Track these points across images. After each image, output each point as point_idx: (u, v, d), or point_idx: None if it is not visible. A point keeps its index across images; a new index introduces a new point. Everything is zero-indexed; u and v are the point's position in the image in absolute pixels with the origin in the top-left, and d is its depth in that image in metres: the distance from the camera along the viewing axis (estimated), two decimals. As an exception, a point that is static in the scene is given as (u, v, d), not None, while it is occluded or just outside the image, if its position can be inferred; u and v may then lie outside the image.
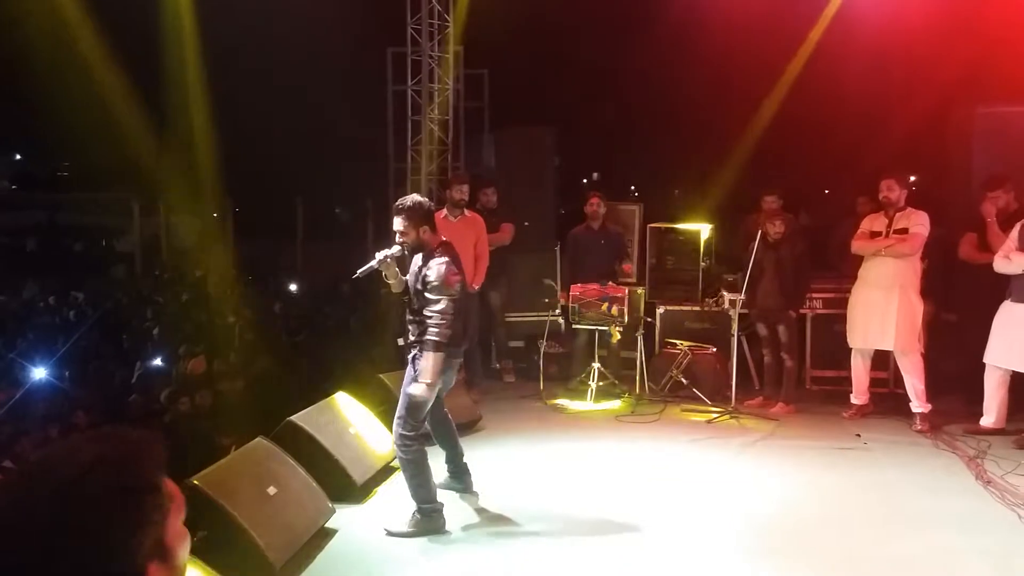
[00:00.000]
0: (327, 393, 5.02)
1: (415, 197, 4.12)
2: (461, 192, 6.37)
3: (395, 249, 4.03)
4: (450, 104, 7.67)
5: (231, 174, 11.62)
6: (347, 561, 3.75)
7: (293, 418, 4.49)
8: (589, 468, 4.93)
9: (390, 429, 4.90)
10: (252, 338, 7.04)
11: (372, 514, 4.29)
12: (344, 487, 4.35)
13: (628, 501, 4.38)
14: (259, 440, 4.14)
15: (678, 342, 6.75)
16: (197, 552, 2.88)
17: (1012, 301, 5.26)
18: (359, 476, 4.46)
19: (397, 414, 4.07)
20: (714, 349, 6.61)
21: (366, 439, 4.75)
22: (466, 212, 6.47)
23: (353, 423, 4.75)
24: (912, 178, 10.07)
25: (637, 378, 6.56)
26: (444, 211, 6.45)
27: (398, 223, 4.01)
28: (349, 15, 8.46)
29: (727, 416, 5.99)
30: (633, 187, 13.90)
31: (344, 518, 4.13)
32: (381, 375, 5.50)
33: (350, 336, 7.41)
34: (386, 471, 4.78)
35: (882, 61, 8.36)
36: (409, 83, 7.52)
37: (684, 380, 6.47)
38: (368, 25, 8.29)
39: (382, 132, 8.11)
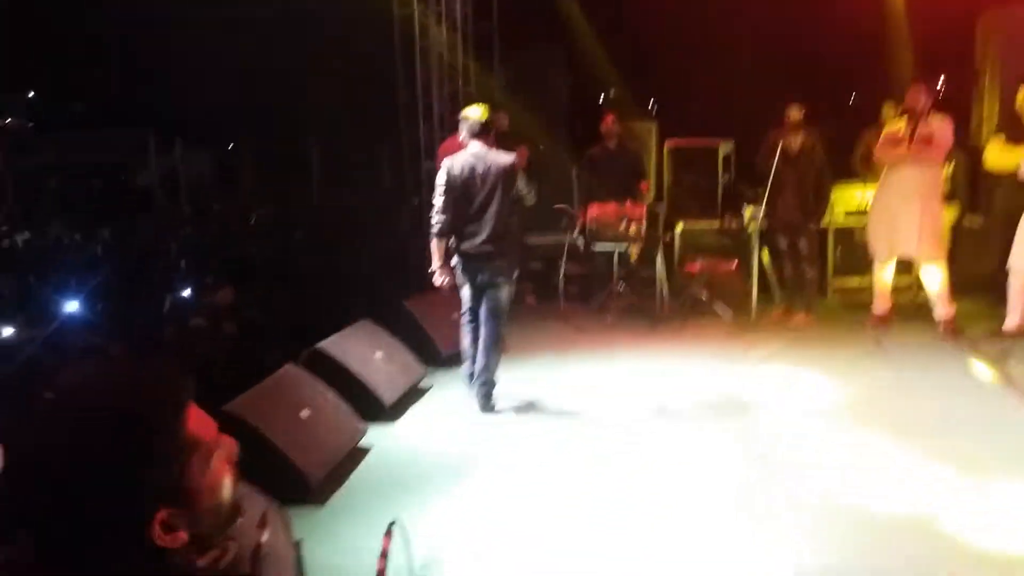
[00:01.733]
0: (353, 319, 5.14)
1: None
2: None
3: None
4: (458, 26, 7.48)
5: (244, 109, 11.54)
6: (381, 477, 3.91)
7: (320, 345, 4.62)
8: (614, 390, 5.00)
9: (415, 353, 5.06)
10: (276, 267, 7.15)
11: (403, 432, 4.46)
12: (374, 408, 4.50)
13: (652, 419, 4.50)
14: (288, 366, 4.27)
15: (698, 257, 6.76)
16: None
17: (1038, 206, 5.18)
18: (388, 398, 4.61)
19: None
20: (735, 263, 6.62)
21: (393, 362, 4.87)
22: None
23: (379, 348, 4.86)
24: (941, 78, 9.78)
25: (658, 295, 6.61)
26: (462, 133, 6.40)
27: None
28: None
29: (746, 328, 6.05)
30: (653, 100, 13.58)
31: (376, 437, 4.29)
32: (404, 301, 5.58)
33: (374, 261, 7.47)
34: (414, 393, 4.93)
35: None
36: (415, 7, 7.32)
37: (705, 296, 6.51)
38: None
39: (389, 57, 7.95)
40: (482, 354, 4.61)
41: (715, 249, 6.89)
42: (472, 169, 4.50)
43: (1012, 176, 5.29)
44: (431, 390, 5.08)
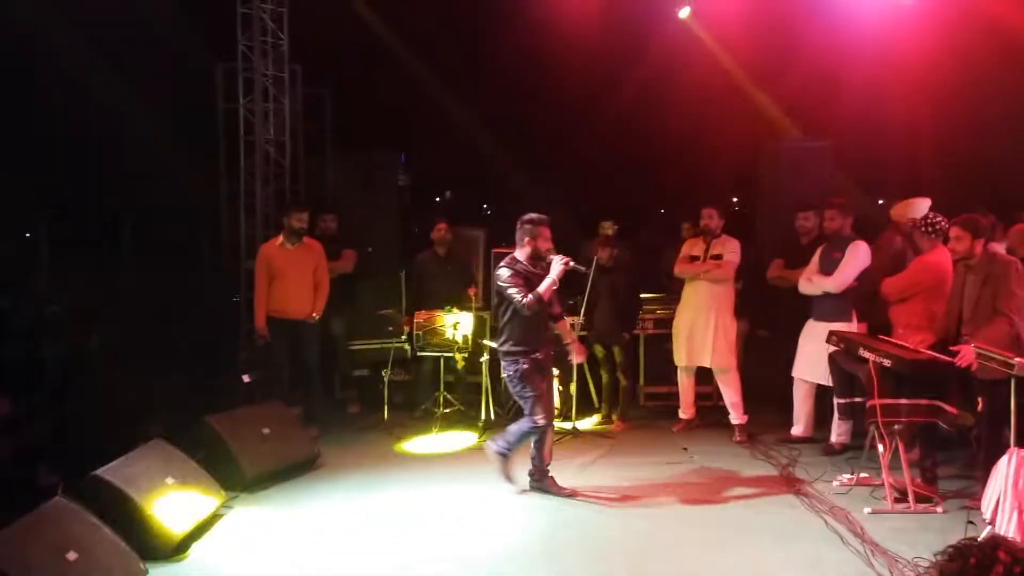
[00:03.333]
0: (146, 438, 4.65)
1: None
2: (300, 221, 6.11)
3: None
4: (287, 125, 7.35)
5: (46, 190, 10.56)
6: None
7: (100, 471, 4.10)
8: (430, 504, 4.81)
9: (214, 478, 4.61)
10: (65, 374, 6.41)
11: (191, 572, 3.97)
12: (160, 544, 4.02)
13: (471, 527, 4.32)
14: (58, 498, 3.74)
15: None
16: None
17: (814, 319, 5.72)
18: (177, 531, 4.12)
19: None
20: (556, 372, 6.72)
21: (186, 489, 4.38)
22: (304, 239, 6.22)
23: (171, 472, 4.38)
24: (735, 199, 10.86)
25: (483, 403, 6.55)
26: (280, 238, 6.19)
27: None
28: (175, 30, 7.94)
29: (569, 435, 6.11)
30: (485, 205, 13.99)
31: (159, 578, 3.81)
32: (208, 417, 5.12)
33: (179, 370, 6.90)
34: (209, 522, 4.45)
35: (707, 95, 8.93)
36: (241, 101, 7.13)
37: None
38: (195, 41, 7.81)
39: (213, 152, 7.66)
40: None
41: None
42: None
43: (794, 291, 5.83)
44: (229, 518, 4.61)
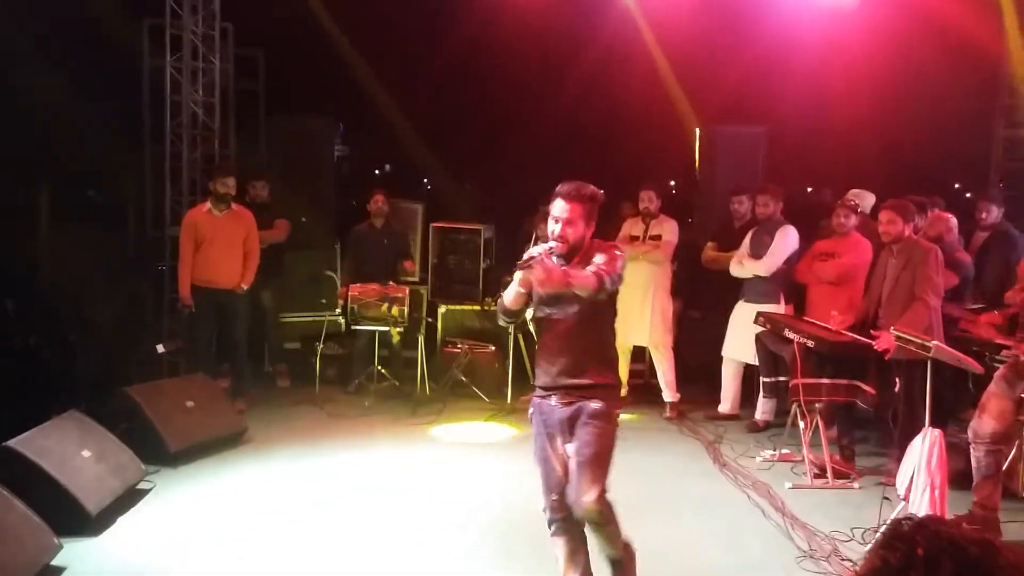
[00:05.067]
0: (61, 410, 4.43)
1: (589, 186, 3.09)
2: (225, 186, 5.88)
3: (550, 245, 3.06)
4: (216, 86, 7.04)
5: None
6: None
7: (10, 443, 3.89)
8: (362, 479, 4.77)
9: (132, 449, 4.44)
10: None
11: (110, 546, 3.83)
12: (76, 519, 3.85)
13: (401, 509, 4.28)
14: (-37, 472, 3.54)
15: (458, 341, 6.78)
16: None
17: (744, 301, 5.87)
18: (94, 506, 3.96)
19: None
20: (493, 348, 6.73)
21: (103, 462, 4.21)
22: (233, 206, 6.00)
23: (87, 445, 4.19)
24: (672, 183, 11.02)
25: (418, 378, 6.50)
26: (208, 204, 5.96)
27: (570, 209, 3.00)
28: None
29: (503, 413, 6.12)
30: (426, 180, 13.80)
31: (75, 554, 3.66)
32: (128, 388, 4.92)
33: (99, 340, 6.60)
34: (129, 498, 4.29)
35: (648, 79, 8.99)
36: (168, 59, 6.79)
37: (464, 378, 6.52)
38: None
39: (137, 114, 7.28)
40: None
41: (476, 332, 6.96)
42: None
43: (725, 273, 5.95)
44: (151, 493, 4.46)
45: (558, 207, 3.03)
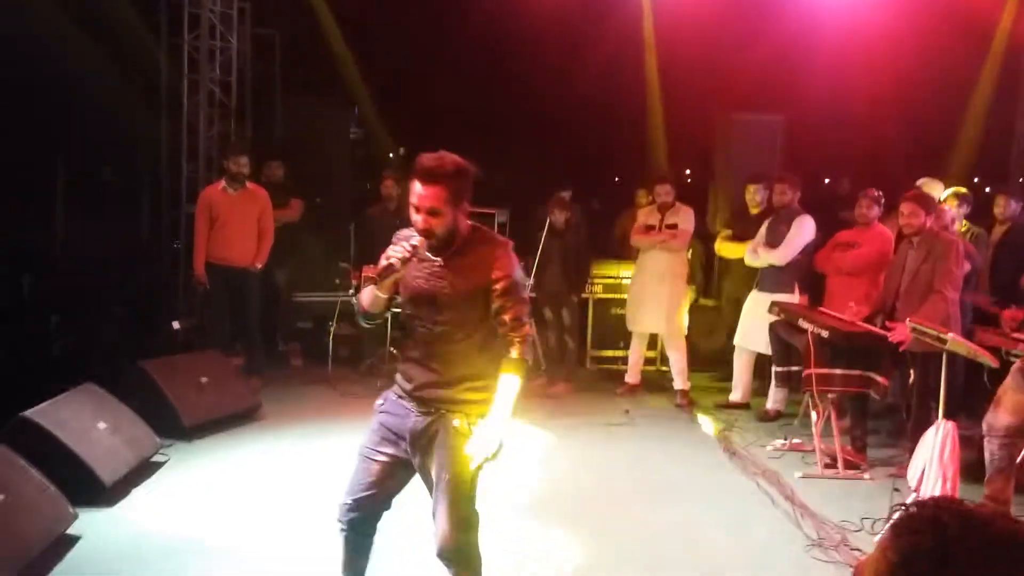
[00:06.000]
0: (76, 384, 4.48)
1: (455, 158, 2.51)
2: (238, 165, 5.90)
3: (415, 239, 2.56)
4: (234, 65, 7.05)
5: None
6: (91, 570, 3.37)
7: (28, 412, 3.94)
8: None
9: (149, 425, 4.48)
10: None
11: (124, 516, 3.88)
12: (92, 489, 3.90)
13: (409, 486, 4.29)
14: (-19, 442, 3.58)
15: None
16: None
17: (759, 290, 5.84)
18: (109, 477, 4.00)
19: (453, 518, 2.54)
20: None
21: (119, 434, 4.26)
22: (248, 185, 6.02)
23: (103, 417, 4.24)
24: (687, 171, 10.96)
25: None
26: (223, 182, 5.99)
27: (431, 195, 2.46)
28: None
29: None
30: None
31: (90, 523, 3.70)
32: (143, 363, 4.97)
33: (115, 316, 6.66)
34: (144, 470, 4.34)
35: (664, 66, 8.92)
36: (186, 38, 6.80)
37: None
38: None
39: (154, 91, 7.31)
40: None
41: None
42: None
43: (740, 263, 5.93)
44: (165, 467, 4.51)
45: (418, 193, 2.46)
